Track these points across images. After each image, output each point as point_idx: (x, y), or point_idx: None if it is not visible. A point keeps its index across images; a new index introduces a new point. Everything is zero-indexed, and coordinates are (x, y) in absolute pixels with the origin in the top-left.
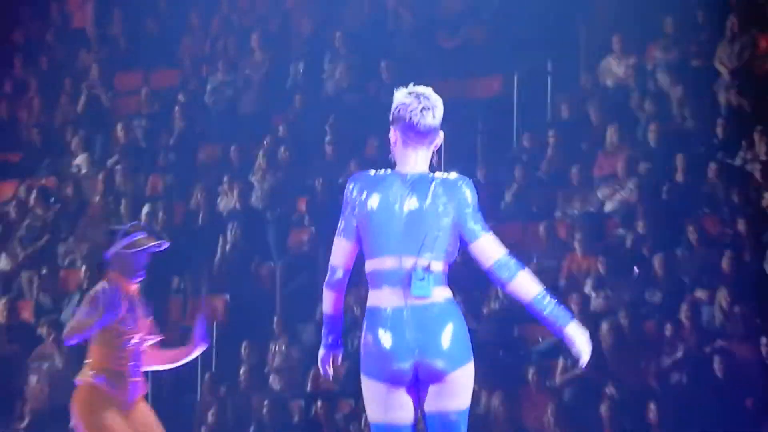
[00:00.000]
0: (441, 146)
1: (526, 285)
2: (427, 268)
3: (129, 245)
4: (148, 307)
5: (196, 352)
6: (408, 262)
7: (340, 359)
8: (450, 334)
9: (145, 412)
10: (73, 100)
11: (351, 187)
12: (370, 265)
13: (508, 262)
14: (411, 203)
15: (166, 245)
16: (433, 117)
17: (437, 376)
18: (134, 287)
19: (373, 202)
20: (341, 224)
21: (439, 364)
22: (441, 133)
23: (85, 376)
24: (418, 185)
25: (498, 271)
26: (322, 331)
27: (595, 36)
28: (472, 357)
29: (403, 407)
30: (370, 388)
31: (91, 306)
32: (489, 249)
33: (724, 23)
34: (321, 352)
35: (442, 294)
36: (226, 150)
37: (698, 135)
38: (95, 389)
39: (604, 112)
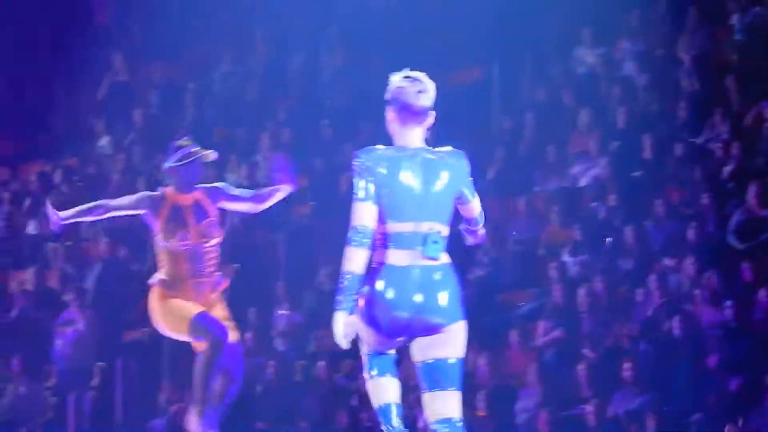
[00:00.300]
0: (432, 126)
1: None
2: (440, 233)
3: (180, 158)
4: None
5: (283, 193)
6: (423, 227)
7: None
8: (448, 295)
9: (218, 308)
10: (96, 89)
11: (365, 158)
12: (389, 228)
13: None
14: (424, 174)
15: (215, 156)
16: (428, 99)
17: (433, 329)
18: (190, 198)
19: (392, 172)
20: (363, 191)
21: (437, 319)
22: (432, 114)
23: (154, 278)
24: (425, 159)
25: (480, 219)
26: (344, 294)
27: (567, 29)
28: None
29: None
30: (368, 335)
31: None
32: (478, 205)
33: (685, 16)
34: (343, 317)
35: (445, 258)
36: (233, 132)
37: (663, 117)
38: (161, 289)
39: (577, 96)
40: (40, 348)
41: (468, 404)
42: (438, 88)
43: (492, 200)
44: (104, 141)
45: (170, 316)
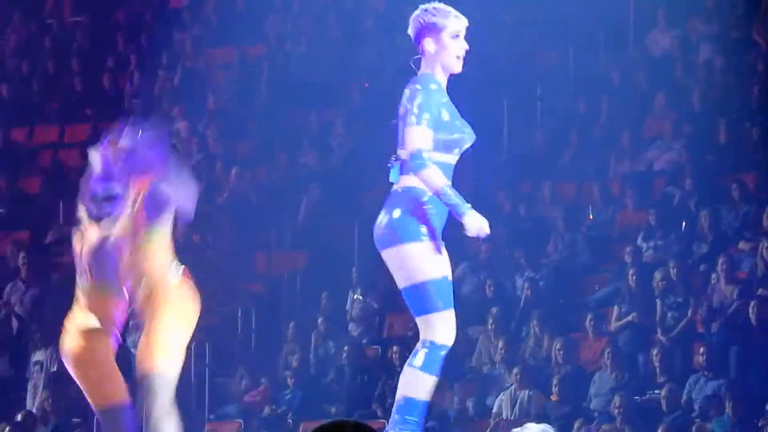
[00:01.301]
0: (504, 111)
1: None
2: (398, 157)
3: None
4: None
5: None
6: None
7: None
8: (385, 219)
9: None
10: (170, 74)
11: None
12: None
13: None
14: None
15: None
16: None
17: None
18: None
19: None
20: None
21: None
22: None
23: None
24: None
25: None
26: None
27: (642, 11)
28: (404, 241)
29: None
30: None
31: None
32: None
33: None
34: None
35: (405, 182)
36: (307, 116)
37: (738, 100)
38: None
39: (652, 79)
40: None
41: (543, 389)
42: (514, 73)
43: (566, 184)
44: (179, 125)
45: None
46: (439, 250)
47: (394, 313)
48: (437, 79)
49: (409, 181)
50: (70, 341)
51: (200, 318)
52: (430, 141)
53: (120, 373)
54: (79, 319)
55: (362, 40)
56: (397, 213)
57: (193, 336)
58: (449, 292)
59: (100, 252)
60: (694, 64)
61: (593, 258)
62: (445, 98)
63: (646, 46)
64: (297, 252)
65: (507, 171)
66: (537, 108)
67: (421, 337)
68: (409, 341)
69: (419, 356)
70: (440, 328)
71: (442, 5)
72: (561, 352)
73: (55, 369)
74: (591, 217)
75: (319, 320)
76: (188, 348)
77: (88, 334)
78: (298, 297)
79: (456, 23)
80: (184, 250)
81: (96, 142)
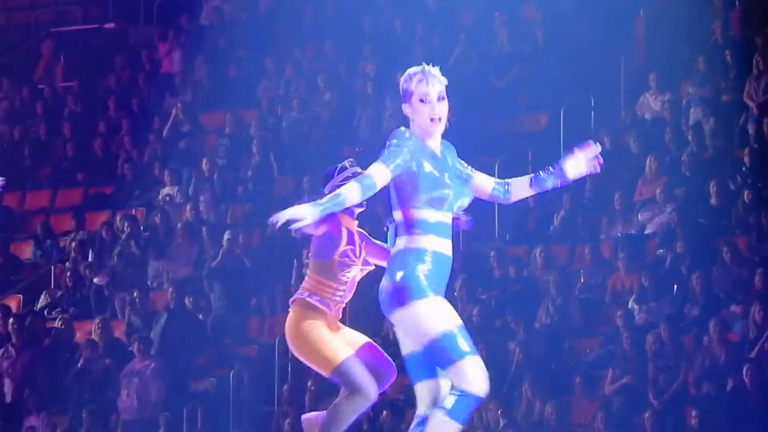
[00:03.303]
0: (495, 173)
1: None
2: (392, 220)
3: (345, 179)
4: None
5: None
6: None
7: None
8: (388, 283)
9: (351, 331)
10: (161, 138)
11: None
12: None
13: None
14: None
15: None
16: None
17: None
18: (354, 221)
19: None
20: None
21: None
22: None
23: (297, 296)
24: None
25: None
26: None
27: (633, 75)
28: (412, 299)
29: None
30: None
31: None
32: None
33: (751, 62)
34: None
35: (401, 244)
36: (299, 181)
37: (729, 163)
38: (306, 305)
39: (643, 143)
40: (106, 399)
41: None
42: (505, 133)
43: (558, 247)
44: (170, 190)
45: (316, 347)
46: (445, 304)
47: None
48: (419, 138)
49: (406, 242)
50: None
51: (193, 382)
52: (381, 177)
53: None
54: None
55: (354, 103)
56: (399, 275)
57: (185, 400)
58: (468, 338)
59: None
60: (685, 127)
61: (585, 321)
62: (429, 154)
63: (636, 110)
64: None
65: (498, 234)
66: (528, 170)
67: (454, 385)
68: (400, 406)
69: (449, 400)
70: (471, 374)
71: (418, 69)
72: (553, 416)
73: None
74: (582, 280)
75: (309, 383)
76: (181, 412)
77: None
78: (290, 360)
79: (422, 87)
80: (176, 313)
81: (88, 206)
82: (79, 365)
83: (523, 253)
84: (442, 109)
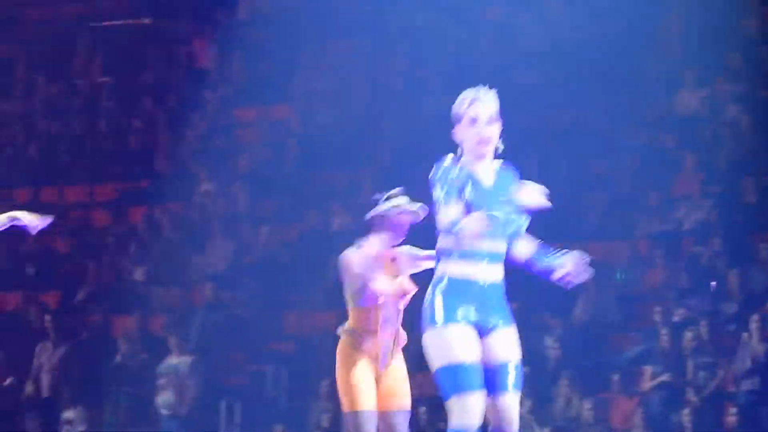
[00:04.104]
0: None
1: None
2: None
3: (389, 208)
4: (404, 263)
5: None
6: None
7: None
8: (427, 302)
9: (395, 370)
10: (197, 134)
11: None
12: None
13: None
14: None
15: (424, 213)
16: None
17: None
18: (392, 250)
19: None
20: None
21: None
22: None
23: (343, 329)
24: None
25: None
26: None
27: (669, 71)
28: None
29: None
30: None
31: (349, 275)
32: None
33: None
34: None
35: (443, 268)
36: (334, 176)
37: (766, 159)
38: (350, 340)
39: (679, 139)
40: (143, 393)
41: None
42: (542, 132)
43: (595, 244)
44: (207, 185)
45: (348, 383)
46: (458, 335)
47: (421, 372)
48: (466, 163)
49: (439, 267)
50: None
51: (231, 377)
52: (456, 213)
53: None
54: None
55: (390, 99)
56: (438, 298)
57: (222, 395)
58: (471, 375)
59: None
60: (722, 123)
61: (622, 318)
62: (471, 181)
63: (674, 106)
64: (327, 312)
65: (535, 231)
66: (564, 168)
67: (450, 422)
68: (436, 401)
69: None
70: (457, 412)
71: (469, 91)
72: (591, 413)
73: (84, 427)
74: (619, 276)
75: None
76: (218, 407)
77: None
78: (328, 356)
79: (472, 109)
80: (213, 308)
81: (125, 201)
82: (116, 360)
83: (559, 249)
84: (492, 132)
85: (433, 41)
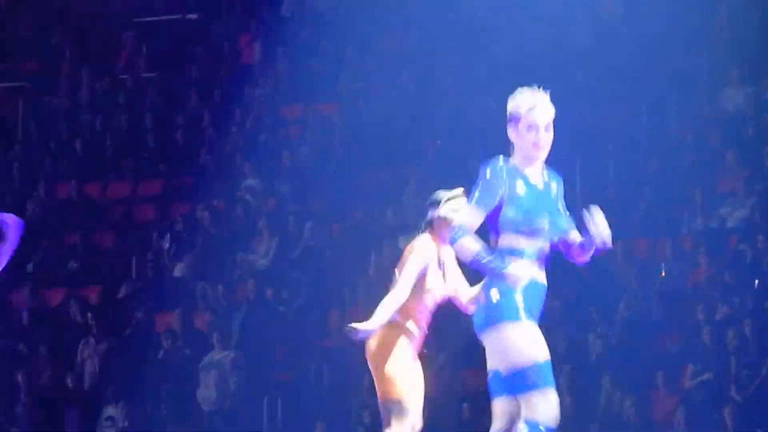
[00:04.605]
0: (577, 168)
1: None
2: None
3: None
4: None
5: None
6: None
7: None
8: (483, 300)
9: (419, 368)
10: (243, 130)
11: None
12: None
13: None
14: None
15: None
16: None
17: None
18: (446, 250)
19: None
20: None
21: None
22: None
23: (393, 320)
24: None
25: None
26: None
27: (715, 68)
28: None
29: None
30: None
31: (411, 261)
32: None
33: None
34: (514, 267)
35: None
36: (379, 174)
37: None
38: (393, 328)
39: (724, 136)
40: (186, 389)
41: None
42: (587, 129)
43: (639, 241)
44: (251, 181)
45: (393, 370)
46: (536, 332)
47: (467, 369)
48: (518, 165)
49: (516, 266)
50: None
51: (273, 374)
52: (475, 222)
53: None
54: None
55: (435, 97)
56: (495, 296)
57: (265, 391)
58: (549, 372)
59: None
60: (766, 120)
61: (665, 315)
62: (525, 182)
63: (718, 103)
64: (370, 308)
65: (579, 229)
66: (610, 165)
67: (523, 415)
68: (480, 397)
69: (522, 429)
70: (542, 407)
71: (528, 93)
72: (633, 410)
73: (126, 424)
74: (663, 273)
75: None
76: (261, 403)
77: None
78: None
79: (532, 115)
80: (256, 305)
81: (169, 197)
82: (159, 356)
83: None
84: (548, 139)
85: (481, 38)
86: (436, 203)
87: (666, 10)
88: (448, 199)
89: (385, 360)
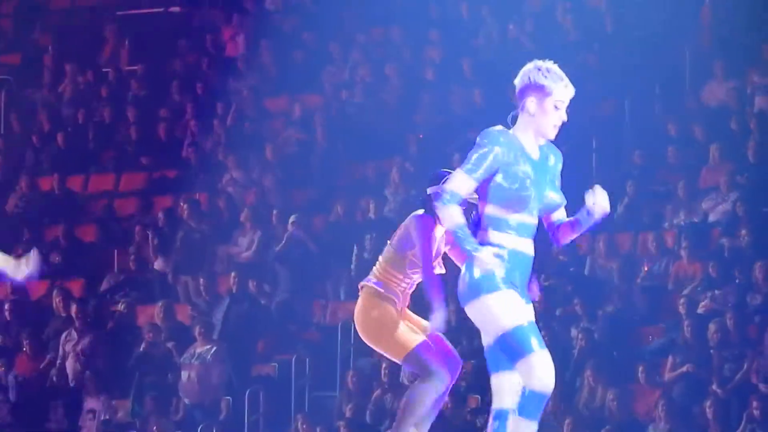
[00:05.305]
0: (561, 163)
1: None
2: (477, 211)
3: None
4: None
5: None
6: None
7: None
8: (466, 275)
9: (416, 317)
10: (225, 123)
11: None
12: None
13: None
14: None
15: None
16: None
17: None
18: (441, 229)
19: None
20: None
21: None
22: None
23: (365, 283)
24: None
25: None
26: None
27: (699, 62)
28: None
29: None
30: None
31: (414, 241)
32: None
33: None
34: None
35: (481, 238)
36: (363, 167)
37: None
38: (375, 293)
39: (707, 130)
40: (168, 382)
41: None
42: (570, 123)
43: (622, 235)
44: (234, 174)
45: (386, 335)
46: (517, 298)
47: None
48: (517, 141)
49: (486, 237)
50: None
51: (255, 367)
52: (466, 189)
53: None
54: None
55: (418, 90)
56: (476, 271)
57: (247, 384)
58: (537, 335)
59: None
60: (750, 115)
61: (648, 309)
62: (523, 153)
63: (702, 98)
64: (353, 301)
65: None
66: (593, 159)
67: (523, 383)
68: (462, 392)
69: (519, 401)
70: (538, 369)
71: (556, 68)
72: (615, 403)
73: (107, 417)
74: (646, 268)
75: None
76: (242, 396)
77: None
78: (353, 346)
79: (563, 93)
80: (239, 298)
81: (151, 190)
82: (141, 349)
83: (586, 240)
84: (565, 117)
85: (464, 32)
86: (438, 179)
87: (650, 4)
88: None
89: (372, 330)
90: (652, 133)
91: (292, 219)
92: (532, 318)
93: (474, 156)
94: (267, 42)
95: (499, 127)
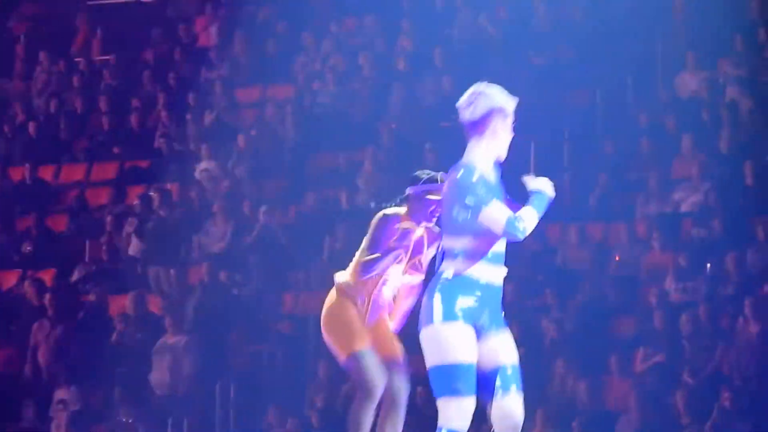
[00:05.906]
0: (532, 153)
1: None
2: (442, 247)
3: (425, 191)
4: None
5: None
6: None
7: None
8: (426, 301)
9: (385, 328)
10: (198, 113)
11: None
12: None
13: None
14: None
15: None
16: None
17: None
18: (421, 229)
19: None
20: None
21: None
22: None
23: (337, 276)
24: None
25: None
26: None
27: (671, 53)
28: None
29: None
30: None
31: (370, 242)
32: None
33: None
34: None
35: (447, 268)
36: (335, 157)
37: (765, 142)
38: (340, 290)
39: (679, 121)
40: (139, 373)
41: (567, 431)
42: (542, 114)
43: (593, 225)
44: (206, 164)
45: (341, 327)
46: (464, 335)
47: (418, 354)
48: (484, 165)
49: (446, 266)
50: None
51: (227, 358)
52: (507, 211)
53: None
54: None
55: (390, 80)
56: (436, 297)
57: (218, 375)
58: (468, 378)
59: None
60: (722, 106)
61: (619, 300)
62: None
63: (674, 88)
64: (325, 292)
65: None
66: (564, 150)
67: (439, 422)
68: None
69: None
70: (450, 413)
71: (500, 89)
72: (586, 394)
73: (78, 407)
74: (617, 258)
75: None
76: (213, 387)
77: None
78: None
79: (509, 108)
80: (210, 288)
81: (123, 180)
82: (112, 339)
83: (558, 230)
84: None
85: (437, 22)
86: (417, 181)
87: None
88: (430, 179)
89: (328, 320)
90: (623, 124)
91: (263, 209)
92: (471, 359)
93: (477, 191)
94: (240, 32)
95: (473, 166)
